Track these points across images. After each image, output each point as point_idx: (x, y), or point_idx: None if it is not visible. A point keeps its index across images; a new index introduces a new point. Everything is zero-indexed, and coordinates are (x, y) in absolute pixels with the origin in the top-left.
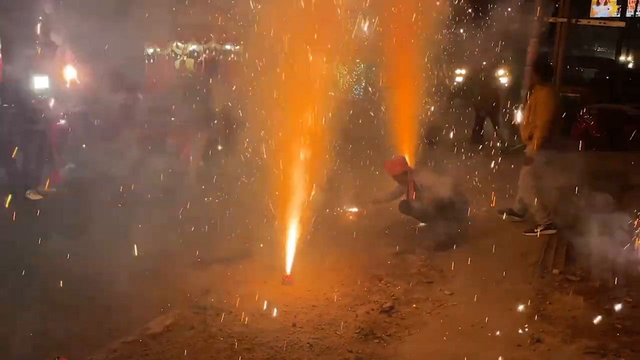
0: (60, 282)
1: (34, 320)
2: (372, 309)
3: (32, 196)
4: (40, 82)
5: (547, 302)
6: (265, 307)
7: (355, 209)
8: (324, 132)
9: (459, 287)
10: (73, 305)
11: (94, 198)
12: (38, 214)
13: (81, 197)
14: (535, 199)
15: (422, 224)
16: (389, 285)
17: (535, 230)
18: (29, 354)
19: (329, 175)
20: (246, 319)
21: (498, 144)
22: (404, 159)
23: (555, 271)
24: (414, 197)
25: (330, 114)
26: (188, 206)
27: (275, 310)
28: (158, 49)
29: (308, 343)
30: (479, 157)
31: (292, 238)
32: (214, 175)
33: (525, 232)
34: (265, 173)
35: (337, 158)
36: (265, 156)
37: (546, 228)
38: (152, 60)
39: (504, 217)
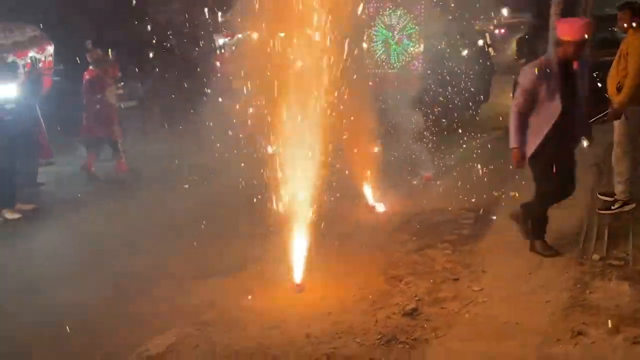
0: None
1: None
2: (394, 313)
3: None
4: None
5: (588, 291)
6: (275, 318)
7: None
8: None
9: (489, 282)
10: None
11: None
12: None
13: None
14: (627, 166)
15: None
16: (410, 285)
17: (613, 208)
18: None
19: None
20: (255, 333)
21: None
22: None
23: (595, 257)
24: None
25: None
26: None
27: (286, 321)
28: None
29: (325, 354)
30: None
31: (300, 240)
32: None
33: (599, 210)
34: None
35: None
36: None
37: (624, 204)
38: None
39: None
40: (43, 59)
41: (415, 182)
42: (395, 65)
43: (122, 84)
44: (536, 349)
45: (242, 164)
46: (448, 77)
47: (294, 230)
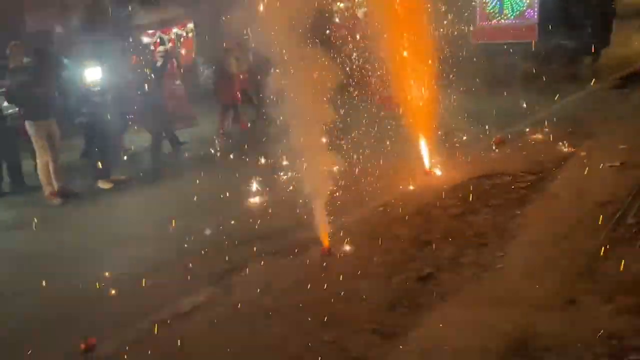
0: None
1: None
2: (409, 277)
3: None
4: None
5: (605, 258)
6: (296, 279)
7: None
8: None
9: (515, 248)
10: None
11: None
12: None
13: None
14: None
15: None
16: (437, 250)
17: None
18: (59, 337)
19: None
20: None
21: None
22: None
23: (631, 220)
24: None
25: None
26: None
27: (306, 283)
28: None
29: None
30: None
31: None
32: None
33: None
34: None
35: None
36: None
37: None
38: None
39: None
40: (185, 34)
41: (483, 145)
42: (509, 15)
43: None
44: (523, 319)
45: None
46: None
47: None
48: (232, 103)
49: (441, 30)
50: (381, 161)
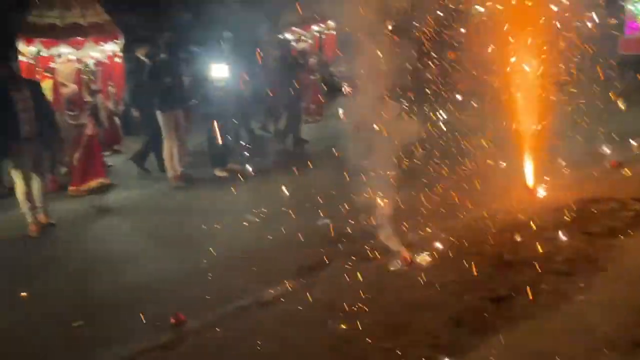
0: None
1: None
2: (483, 297)
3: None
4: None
5: None
6: (372, 284)
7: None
8: None
9: (601, 281)
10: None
11: None
12: None
13: None
14: None
15: None
16: (518, 272)
17: None
18: (153, 310)
19: None
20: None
21: None
22: None
23: None
24: None
25: None
26: None
27: (381, 288)
28: None
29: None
30: None
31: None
32: None
33: None
34: None
35: None
36: None
37: None
38: None
39: None
40: (326, 31)
41: (598, 167)
42: None
43: None
44: (587, 355)
45: None
46: None
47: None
48: None
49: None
50: (483, 174)
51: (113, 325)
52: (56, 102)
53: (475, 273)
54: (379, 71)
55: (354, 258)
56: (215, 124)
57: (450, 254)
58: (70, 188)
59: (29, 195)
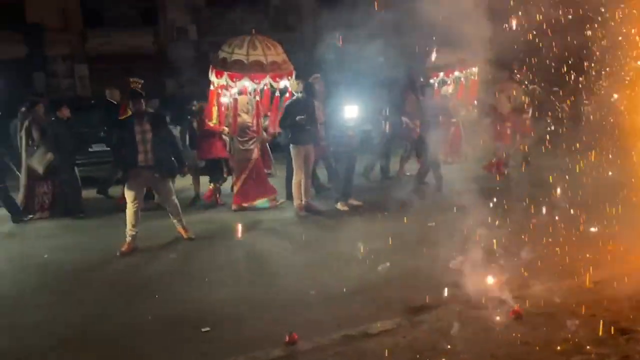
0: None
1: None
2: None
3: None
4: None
5: None
6: (476, 332)
7: None
8: None
9: None
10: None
11: None
12: None
13: None
14: None
15: None
16: (632, 341)
17: None
18: (269, 330)
19: None
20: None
21: None
22: None
23: None
24: None
25: None
26: None
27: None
28: None
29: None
30: None
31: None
32: None
33: None
34: None
35: None
36: None
37: None
38: None
39: None
40: (468, 77)
41: None
42: None
43: None
44: None
45: None
46: None
47: None
48: (503, 143)
49: None
50: (609, 228)
51: (234, 333)
52: (232, 128)
53: (583, 337)
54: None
55: (463, 303)
56: (342, 159)
57: (562, 314)
58: (234, 204)
59: (136, 215)
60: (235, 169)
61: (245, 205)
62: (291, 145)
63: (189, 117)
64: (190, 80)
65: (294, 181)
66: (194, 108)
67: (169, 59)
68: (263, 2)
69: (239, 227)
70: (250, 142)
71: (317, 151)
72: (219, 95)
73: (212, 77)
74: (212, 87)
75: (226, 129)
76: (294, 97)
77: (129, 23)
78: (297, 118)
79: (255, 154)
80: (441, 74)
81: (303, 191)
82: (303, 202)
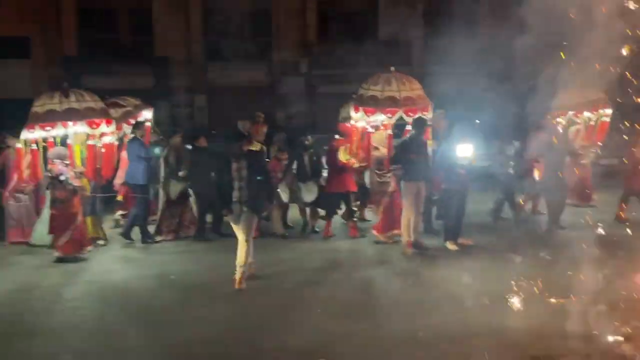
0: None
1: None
2: None
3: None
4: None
5: None
6: None
7: None
8: None
9: None
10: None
11: None
12: None
13: None
14: None
15: None
16: None
17: None
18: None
19: None
20: None
21: None
22: None
23: None
24: None
25: None
26: None
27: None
28: None
29: None
30: None
31: None
32: None
33: None
34: None
35: None
36: None
37: None
38: None
39: None
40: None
41: None
42: None
43: None
44: None
45: None
46: None
47: None
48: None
49: None
50: None
51: None
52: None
53: None
54: None
55: (576, 355)
56: (452, 198)
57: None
58: (376, 234)
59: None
60: (375, 201)
61: (386, 235)
62: (402, 181)
63: (301, 151)
64: (298, 112)
65: (403, 218)
66: (306, 142)
67: (280, 92)
68: (372, 38)
69: (346, 260)
70: (387, 175)
71: (429, 186)
72: (357, 130)
73: (352, 112)
74: (352, 123)
75: (357, 163)
76: (409, 134)
77: (245, 57)
78: (411, 156)
79: (392, 186)
80: (570, 113)
81: (412, 228)
82: (412, 239)
